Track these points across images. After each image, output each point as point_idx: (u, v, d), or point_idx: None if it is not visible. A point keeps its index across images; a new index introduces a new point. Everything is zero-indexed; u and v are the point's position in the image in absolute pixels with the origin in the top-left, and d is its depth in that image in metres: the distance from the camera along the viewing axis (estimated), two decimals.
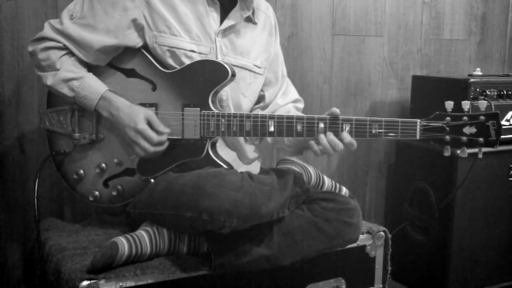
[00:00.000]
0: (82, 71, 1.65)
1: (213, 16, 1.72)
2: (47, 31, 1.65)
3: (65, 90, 1.64)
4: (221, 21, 1.73)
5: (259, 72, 1.84)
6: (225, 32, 1.74)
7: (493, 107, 2.25)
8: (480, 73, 2.52)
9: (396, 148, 2.64)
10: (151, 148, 1.59)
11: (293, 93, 1.98)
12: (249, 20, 1.80)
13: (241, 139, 1.83)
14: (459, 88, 2.32)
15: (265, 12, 1.87)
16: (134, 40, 1.66)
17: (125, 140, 1.64)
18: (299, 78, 2.47)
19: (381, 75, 2.68)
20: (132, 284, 1.47)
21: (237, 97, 1.78)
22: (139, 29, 1.66)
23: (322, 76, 2.54)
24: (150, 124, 1.60)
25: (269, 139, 1.87)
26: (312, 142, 1.57)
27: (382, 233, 1.88)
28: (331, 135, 1.55)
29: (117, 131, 1.66)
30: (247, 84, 1.80)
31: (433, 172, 2.41)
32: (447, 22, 2.83)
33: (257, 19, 1.83)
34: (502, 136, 1.53)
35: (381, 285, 1.91)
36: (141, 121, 1.59)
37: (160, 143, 1.60)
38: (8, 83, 1.96)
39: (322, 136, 1.55)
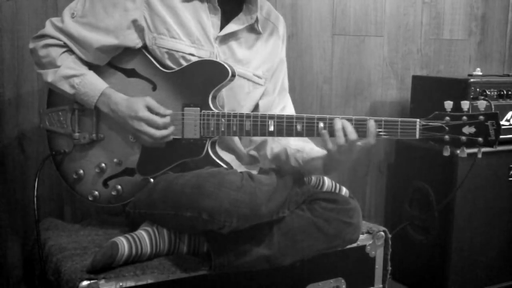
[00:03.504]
0: (82, 68, 1.66)
1: (214, 21, 1.70)
2: (48, 28, 1.66)
3: (65, 87, 1.64)
4: (222, 28, 1.71)
5: (259, 83, 1.80)
6: (224, 39, 1.72)
7: (493, 107, 2.25)
8: (480, 73, 2.52)
9: (396, 148, 2.64)
10: (157, 133, 1.59)
11: (290, 111, 1.91)
12: (253, 29, 1.78)
13: (238, 143, 1.82)
14: (459, 88, 2.32)
15: (273, 23, 1.84)
16: (134, 40, 1.66)
17: (127, 137, 1.64)
18: (299, 78, 2.47)
19: (381, 75, 2.68)
20: (132, 284, 1.48)
21: (233, 105, 1.75)
22: (139, 30, 1.66)
23: (322, 76, 2.54)
24: (150, 110, 1.60)
25: (269, 155, 1.81)
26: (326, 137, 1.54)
27: (382, 233, 1.88)
28: (348, 126, 1.52)
29: (118, 129, 1.66)
30: (245, 93, 1.77)
31: (433, 172, 2.41)
32: (447, 22, 2.83)
33: (263, 28, 1.80)
34: (502, 136, 1.53)
35: (381, 285, 1.91)
36: (141, 108, 1.59)
37: (165, 126, 1.60)
38: (8, 83, 1.96)
39: (337, 120, 1.52)
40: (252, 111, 1.84)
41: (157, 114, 1.60)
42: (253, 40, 1.79)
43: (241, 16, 1.74)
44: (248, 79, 1.77)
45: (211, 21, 1.70)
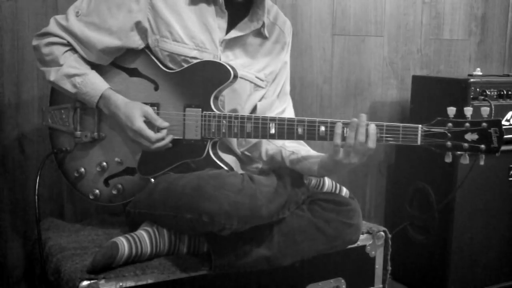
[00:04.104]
0: (85, 68, 1.65)
1: (220, 24, 1.69)
2: (52, 26, 1.66)
3: (67, 86, 1.64)
4: (228, 31, 1.70)
5: (261, 85, 1.79)
6: (229, 43, 1.71)
7: (493, 107, 2.24)
8: (480, 73, 2.52)
9: (396, 148, 2.64)
10: (151, 146, 1.59)
11: (290, 114, 1.88)
12: (259, 34, 1.76)
13: (235, 143, 1.81)
14: (459, 88, 2.32)
15: (280, 27, 1.82)
16: (136, 42, 1.66)
17: (127, 138, 1.64)
18: (299, 78, 2.47)
19: (381, 75, 2.68)
20: (132, 284, 1.48)
21: (233, 107, 1.74)
22: (142, 32, 1.65)
23: (322, 76, 2.54)
24: (147, 119, 1.60)
25: (264, 157, 1.78)
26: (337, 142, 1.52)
27: (382, 233, 1.88)
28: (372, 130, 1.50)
29: (119, 128, 1.66)
30: (246, 96, 1.76)
31: (433, 172, 2.41)
32: (447, 22, 2.83)
33: (269, 33, 1.78)
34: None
35: (381, 285, 1.91)
36: (137, 119, 1.59)
37: (158, 140, 1.60)
38: (8, 83, 1.96)
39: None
40: (250, 113, 1.83)
41: (153, 125, 1.59)
42: (258, 44, 1.77)
43: (247, 20, 1.72)
44: (250, 81, 1.76)
45: (217, 24, 1.69)
